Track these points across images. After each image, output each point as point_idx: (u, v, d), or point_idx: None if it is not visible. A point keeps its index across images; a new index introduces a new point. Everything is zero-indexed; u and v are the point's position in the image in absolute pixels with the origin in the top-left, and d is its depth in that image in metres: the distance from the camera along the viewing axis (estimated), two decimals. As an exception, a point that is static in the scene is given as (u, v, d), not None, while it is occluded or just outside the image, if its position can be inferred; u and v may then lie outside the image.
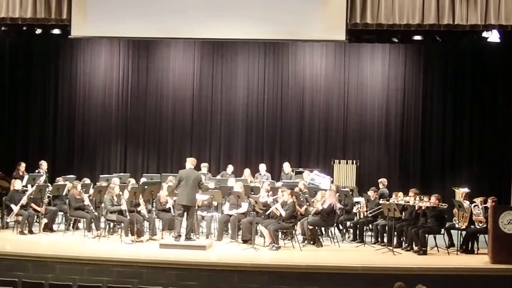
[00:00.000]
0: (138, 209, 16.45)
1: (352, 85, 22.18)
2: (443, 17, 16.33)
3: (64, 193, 17.64)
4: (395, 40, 19.95)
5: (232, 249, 15.70)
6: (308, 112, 22.30)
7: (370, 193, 17.45)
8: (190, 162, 16.19)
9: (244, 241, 16.13)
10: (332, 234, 17.03)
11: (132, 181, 17.92)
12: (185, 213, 15.81)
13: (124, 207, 16.18)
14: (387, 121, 22.00)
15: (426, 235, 15.52)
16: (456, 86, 21.57)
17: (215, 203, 17.40)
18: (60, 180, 18.00)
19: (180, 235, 15.69)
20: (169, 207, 16.95)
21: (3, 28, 19.54)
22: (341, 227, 17.59)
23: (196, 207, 16.18)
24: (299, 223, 16.51)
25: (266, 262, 14.53)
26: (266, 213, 16.20)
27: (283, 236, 16.59)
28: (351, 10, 16.60)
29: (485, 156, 21.37)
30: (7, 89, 22.72)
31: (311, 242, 16.33)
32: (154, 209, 17.42)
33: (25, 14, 17.14)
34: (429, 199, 15.90)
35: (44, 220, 17.24)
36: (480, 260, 15.06)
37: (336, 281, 13.79)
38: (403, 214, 16.25)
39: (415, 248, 15.64)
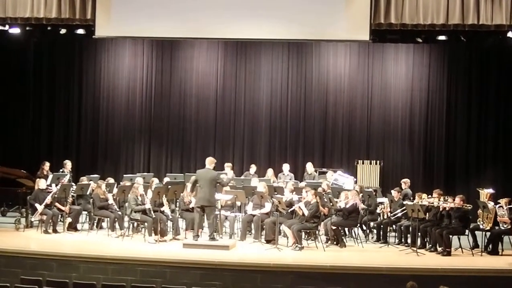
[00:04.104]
0: (162, 208, 16.50)
1: (376, 86, 22.12)
2: (467, 17, 16.26)
3: (88, 193, 17.72)
4: (419, 40, 19.93)
5: (255, 249, 15.69)
6: (332, 112, 22.27)
7: (394, 193, 17.38)
8: (207, 162, 16.15)
9: (268, 241, 16.13)
10: (355, 235, 16.99)
11: (156, 180, 17.95)
12: (204, 214, 15.82)
13: (148, 206, 16.22)
14: (411, 121, 21.93)
15: (450, 236, 15.45)
16: (481, 86, 21.46)
17: (238, 203, 17.41)
18: (84, 180, 18.09)
19: (198, 235, 15.70)
20: (193, 207, 16.97)
21: (27, 28, 19.70)
22: (364, 228, 17.56)
23: (217, 207, 16.14)
24: (322, 223, 16.48)
25: (289, 262, 14.49)
26: (289, 211, 16.20)
27: (306, 236, 16.55)
28: (375, 10, 16.57)
29: (510, 157, 21.24)
30: (32, 89, 22.89)
31: (335, 243, 16.29)
32: (177, 208, 17.43)
33: (49, 14, 17.25)
34: (453, 200, 15.82)
35: (68, 219, 17.32)
36: (504, 261, 14.95)
37: (360, 281, 13.74)
38: (427, 215, 16.17)
39: (439, 249, 15.56)
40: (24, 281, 12.18)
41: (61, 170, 19.28)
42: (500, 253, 15.73)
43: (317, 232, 16.16)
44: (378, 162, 21.54)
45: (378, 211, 17.56)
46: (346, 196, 16.47)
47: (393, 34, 19.07)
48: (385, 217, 17.28)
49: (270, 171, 20.10)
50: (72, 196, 17.72)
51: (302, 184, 18.48)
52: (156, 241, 15.95)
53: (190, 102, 22.81)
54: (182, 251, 15.13)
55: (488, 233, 15.94)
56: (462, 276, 13.78)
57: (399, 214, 16.76)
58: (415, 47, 21.69)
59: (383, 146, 22.08)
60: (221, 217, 16.59)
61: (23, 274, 13.37)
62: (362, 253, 15.79)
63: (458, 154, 21.64)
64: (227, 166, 19.40)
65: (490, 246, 15.80)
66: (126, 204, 16.77)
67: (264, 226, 16.36)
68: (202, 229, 16.08)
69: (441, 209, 15.86)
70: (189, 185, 17.00)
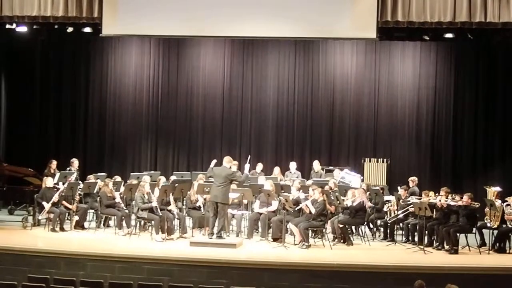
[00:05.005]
0: (169, 207, 16.51)
1: (383, 84, 22.10)
2: (475, 15, 16.22)
3: (95, 191, 17.74)
4: (426, 38, 19.91)
5: (262, 247, 15.69)
6: (339, 110, 22.26)
7: (401, 191, 17.37)
8: (225, 161, 16.17)
9: (274, 239, 16.12)
10: (362, 233, 16.97)
11: (163, 179, 17.93)
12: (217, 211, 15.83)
13: (155, 204, 16.22)
14: (418, 119, 21.90)
15: (458, 234, 15.41)
16: (488, 84, 21.44)
17: (245, 201, 17.40)
18: (91, 178, 18.12)
19: (212, 233, 15.68)
20: (199, 205, 16.98)
21: (35, 27, 19.75)
22: (371, 226, 17.54)
23: (228, 205, 16.12)
24: (329, 221, 16.47)
25: (296, 261, 14.49)
26: (296, 209, 16.18)
27: (313, 234, 16.54)
28: (382, 8, 16.55)
29: (517, 155, 21.24)
30: (39, 88, 22.91)
31: (342, 241, 16.27)
32: (184, 207, 17.45)
33: (56, 12, 17.27)
34: (461, 198, 15.78)
35: (76, 218, 17.34)
36: (512, 259, 14.96)
37: (367, 279, 13.73)
38: (434, 213, 16.15)
39: (446, 247, 15.52)
40: (31, 279, 12.19)
41: (68, 168, 19.30)
42: (507, 251, 15.69)
43: (324, 230, 16.15)
44: (385, 160, 21.53)
45: (385, 209, 17.56)
46: (353, 194, 16.47)
47: (400, 32, 19.07)
48: (392, 215, 17.26)
49: (277, 169, 20.10)
50: (79, 194, 17.74)
51: (309, 182, 18.48)
52: (163, 239, 15.95)
53: (196, 101, 22.81)
54: (189, 249, 15.13)
55: (496, 231, 15.90)
56: (469, 274, 13.73)
57: (401, 216, 16.71)
58: (422, 45, 21.65)
59: (390, 144, 22.06)
60: (228, 215, 16.56)
61: (30, 272, 13.38)
62: (369, 251, 15.77)
63: (465, 152, 21.62)
64: (234, 164, 19.34)
65: (498, 244, 15.77)
66: (133, 203, 16.78)
67: (271, 224, 16.38)
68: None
69: (444, 207, 15.80)
70: (196, 184, 17.02)
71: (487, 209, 16.44)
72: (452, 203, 15.72)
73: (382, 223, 17.35)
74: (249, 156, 17.75)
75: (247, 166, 16.95)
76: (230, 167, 16.20)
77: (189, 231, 16.77)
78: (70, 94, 23.03)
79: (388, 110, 22.04)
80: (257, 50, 22.54)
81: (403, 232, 16.90)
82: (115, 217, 17.11)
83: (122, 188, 17.70)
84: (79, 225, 17.38)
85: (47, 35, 21.53)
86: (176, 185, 17.05)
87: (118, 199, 17.20)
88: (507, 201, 16.03)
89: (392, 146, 22.05)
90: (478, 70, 21.54)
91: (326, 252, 15.41)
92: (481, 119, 21.45)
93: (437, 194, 16.58)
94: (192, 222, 16.97)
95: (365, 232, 17.04)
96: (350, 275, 13.83)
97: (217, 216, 15.71)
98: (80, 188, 17.74)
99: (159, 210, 16.19)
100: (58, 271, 13.87)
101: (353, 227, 17.08)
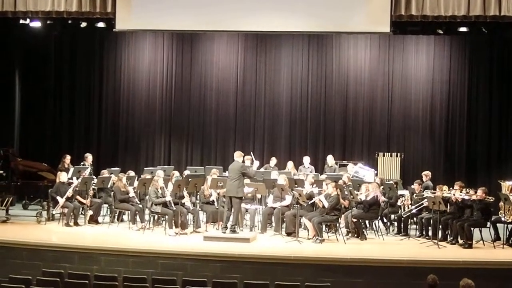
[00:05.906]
0: (182, 201, 16.52)
1: (397, 78, 22.04)
2: (489, 8, 16.15)
3: (109, 186, 17.77)
4: (440, 31, 19.85)
5: (275, 242, 15.67)
6: (352, 104, 22.21)
7: (415, 186, 17.33)
8: (235, 155, 16.19)
9: (288, 234, 16.11)
10: (376, 227, 16.94)
11: (176, 173, 17.95)
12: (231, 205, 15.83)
13: (168, 198, 16.24)
14: (431, 113, 21.83)
15: (472, 229, 15.35)
16: (502, 77, 21.34)
17: (259, 196, 17.40)
18: (105, 173, 18.14)
19: (226, 227, 15.70)
20: (213, 200, 16.99)
21: (48, 22, 19.79)
22: (385, 220, 17.50)
23: (241, 199, 16.09)
24: (343, 216, 16.44)
25: (310, 255, 14.46)
26: (310, 203, 16.16)
27: (327, 229, 16.51)
28: (396, 2, 16.51)
29: (532, 149, 21.15)
30: (53, 83, 22.95)
31: (355, 235, 16.26)
32: (198, 201, 17.46)
33: (70, 7, 17.31)
34: (475, 192, 15.72)
35: (90, 212, 17.38)
36: (526, 254, 14.89)
37: (381, 274, 13.70)
38: (448, 207, 16.10)
39: (460, 241, 15.47)
40: (45, 274, 12.24)
41: (82, 163, 19.34)
42: (522, 246, 15.66)
43: (337, 224, 16.13)
44: (398, 154, 21.48)
45: (399, 203, 17.51)
46: (366, 189, 16.44)
47: (413, 26, 19.02)
48: (406, 209, 17.22)
49: (290, 164, 20.07)
50: (93, 189, 17.79)
51: (323, 176, 18.45)
52: (176, 234, 15.97)
53: (210, 95, 22.82)
54: (202, 243, 15.14)
55: (510, 226, 15.83)
56: (483, 268, 13.69)
57: (414, 211, 16.66)
58: (436, 38, 21.58)
59: (404, 138, 22.01)
60: (242, 209, 16.56)
61: (45, 266, 13.44)
62: (383, 245, 15.75)
63: (480, 146, 21.53)
64: (247, 159, 19.35)
65: (512, 238, 15.74)
66: (147, 197, 16.80)
67: (284, 219, 16.37)
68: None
69: (457, 201, 15.73)
70: (209, 178, 17.03)
71: (501, 203, 16.38)
72: (466, 197, 15.67)
73: (396, 218, 17.31)
74: (251, 153, 17.80)
75: (256, 164, 16.97)
76: (243, 161, 16.23)
77: (203, 226, 16.78)
78: (83, 89, 23.08)
79: (402, 104, 21.98)
80: (270, 45, 22.52)
81: (417, 226, 16.88)
82: (129, 211, 17.13)
83: (136, 183, 17.73)
84: (93, 220, 17.43)
85: (60, 30, 21.58)
86: (190, 179, 17.06)
87: (132, 194, 17.24)
88: (521, 195, 15.97)
89: (406, 140, 22.00)
90: (492, 63, 21.46)
91: (339, 246, 15.40)
92: (495, 112, 21.37)
93: (451, 188, 16.52)
94: (206, 216, 17.00)
95: (378, 226, 17.02)
96: (363, 269, 13.83)
97: (230, 212, 15.75)
98: (94, 183, 17.78)
99: (172, 205, 16.22)
100: (72, 266, 13.92)
101: (367, 222, 17.07)
